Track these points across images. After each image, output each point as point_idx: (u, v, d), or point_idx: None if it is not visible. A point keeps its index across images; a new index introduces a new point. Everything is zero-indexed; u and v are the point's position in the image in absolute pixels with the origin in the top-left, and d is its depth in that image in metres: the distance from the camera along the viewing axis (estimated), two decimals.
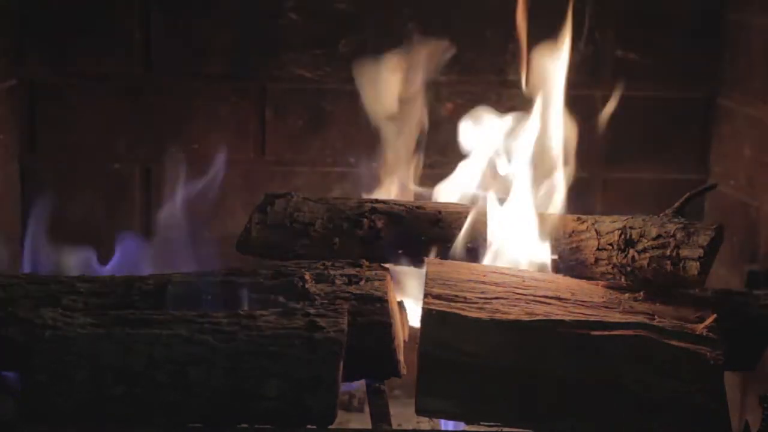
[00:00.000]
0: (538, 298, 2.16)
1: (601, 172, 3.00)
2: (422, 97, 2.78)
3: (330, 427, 2.01)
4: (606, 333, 2.07)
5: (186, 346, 2.02)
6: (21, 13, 2.93)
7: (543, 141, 2.55)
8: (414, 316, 2.29)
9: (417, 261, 2.38)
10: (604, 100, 2.75)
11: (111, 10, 2.96)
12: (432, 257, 2.34)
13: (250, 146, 3.02)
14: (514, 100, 2.82)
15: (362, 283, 2.23)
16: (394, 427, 2.15)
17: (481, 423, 2.08)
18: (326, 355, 2.01)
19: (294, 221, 2.45)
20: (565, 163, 2.55)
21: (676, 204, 2.33)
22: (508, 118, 2.62)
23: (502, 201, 2.45)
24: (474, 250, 2.38)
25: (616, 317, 2.12)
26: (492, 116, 2.66)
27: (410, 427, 2.64)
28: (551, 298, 2.17)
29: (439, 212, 2.44)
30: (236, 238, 2.47)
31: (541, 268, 2.35)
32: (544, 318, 2.09)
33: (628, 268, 2.27)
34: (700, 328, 2.11)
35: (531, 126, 2.55)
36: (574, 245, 2.36)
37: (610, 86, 2.77)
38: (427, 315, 2.08)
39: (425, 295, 2.12)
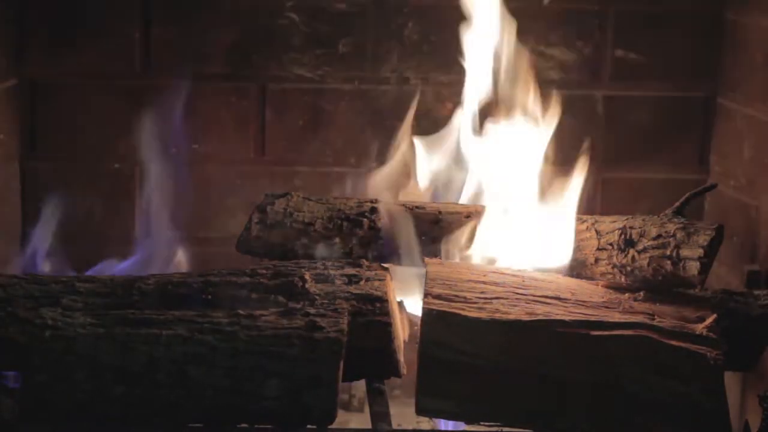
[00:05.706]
0: (538, 298, 2.16)
1: (601, 172, 3.00)
2: None
3: (330, 427, 2.01)
4: (606, 333, 2.07)
5: (186, 346, 2.02)
6: (21, 13, 2.93)
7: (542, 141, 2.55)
8: (414, 316, 2.29)
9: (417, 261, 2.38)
10: (605, 100, 2.75)
11: (111, 10, 2.96)
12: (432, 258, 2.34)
13: (250, 146, 3.02)
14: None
15: (362, 283, 2.23)
16: (394, 427, 2.15)
17: (481, 423, 2.08)
18: (326, 355, 2.01)
19: (294, 221, 2.45)
20: (566, 162, 2.55)
21: (676, 204, 2.33)
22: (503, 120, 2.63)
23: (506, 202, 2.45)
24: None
25: (616, 317, 2.12)
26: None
27: (410, 427, 2.64)
28: (551, 298, 2.17)
29: (439, 212, 2.44)
30: (236, 238, 2.47)
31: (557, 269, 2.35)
32: (544, 318, 2.09)
33: (628, 268, 2.27)
34: (700, 328, 2.11)
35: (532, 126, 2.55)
36: (574, 245, 2.35)
37: (610, 86, 2.77)
38: (427, 315, 2.08)
39: (425, 295, 2.12)
